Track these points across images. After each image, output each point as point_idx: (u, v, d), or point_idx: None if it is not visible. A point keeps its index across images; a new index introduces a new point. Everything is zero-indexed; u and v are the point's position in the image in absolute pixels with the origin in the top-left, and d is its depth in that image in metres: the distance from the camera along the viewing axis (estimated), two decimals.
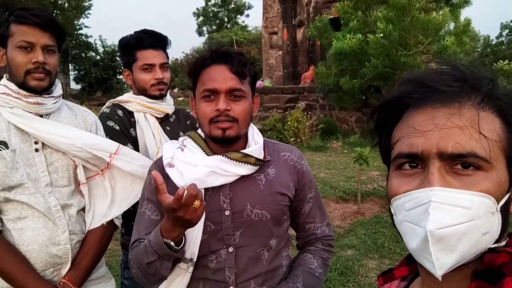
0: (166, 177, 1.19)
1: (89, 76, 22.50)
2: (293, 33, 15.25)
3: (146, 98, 1.79)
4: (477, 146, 0.54)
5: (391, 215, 0.62)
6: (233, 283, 1.22)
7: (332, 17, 10.94)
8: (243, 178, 1.22)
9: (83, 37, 22.95)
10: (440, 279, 0.53)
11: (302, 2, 14.93)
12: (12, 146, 1.35)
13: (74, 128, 1.47)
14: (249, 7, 36.46)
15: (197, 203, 1.00)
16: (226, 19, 36.67)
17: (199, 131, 1.30)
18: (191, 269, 1.21)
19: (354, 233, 4.46)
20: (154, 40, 1.77)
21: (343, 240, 4.24)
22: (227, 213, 1.21)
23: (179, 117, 1.94)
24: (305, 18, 14.75)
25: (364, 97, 10.40)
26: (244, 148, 1.24)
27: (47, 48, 1.37)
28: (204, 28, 37.05)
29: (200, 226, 1.18)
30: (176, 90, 22.90)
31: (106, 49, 23.58)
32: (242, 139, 1.25)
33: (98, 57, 23.59)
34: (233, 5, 36.25)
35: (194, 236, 1.18)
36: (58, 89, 1.47)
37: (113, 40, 28.23)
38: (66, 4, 21.60)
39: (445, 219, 0.52)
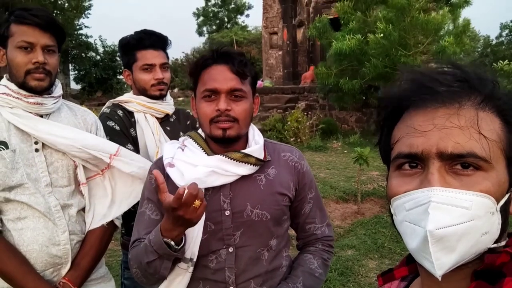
0: (167, 177, 1.19)
1: (89, 76, 22.50)
2: (293, 33, 15.25)
3: (146, 98, 1.79)
4: (477, 146, 0.54)
5: (391, 215, 0.62)
6: (233, 283, 1.22)
7: (332, 17, 10.94)
8: (243, 178, 1.23)
9: (83, 37, 22.96)
10: (439, 279, 0.53)
11: (302, 2, 14.94)
12: (12, 146, 1.35)
13: (74, 128, 1.47)
14: (249, 7, 36.51)
15: (197, 202, 1.00)
16: (226, 19, 36.68)
17: (200, 131, 1.30)
18: (191, 269, 1.21)
19: (354, 233, 4.46)
20: (154, 40, 1.77)
21: (343, 240, 4.24)
22: (227, 213, 1.21)
23: (179, 117, 1.94)
24: (305, 18, 14.76)
25: (364, 97, 10.40)
26: (245, 148, 1.25)
27: (47, 48, 1.37)
28: (204, 28, 37.09)
29: (200, 226, 1.18)
30: (176, 90, 22.91)
31: (106, 49, 23.59)
32: (242, 139, 1.25)
33: (98, 57, 23.60)
34: (233, 5, 36.26)
35: (194, 236, 1.18)
36: (58, 89, 1.47)
37: (113, 40, 28.29)
38: (66, 4, 21.61)
39: (445, 219, 0.52)
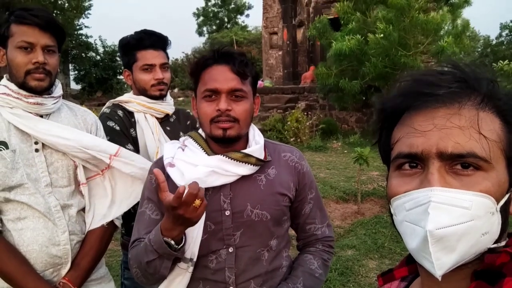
0: (167, 177, 1.19)
1: (89, 76, 22.49)
2: (293, 33, 15.25)
3: (146, 98, 1.79)
4: (477, 146, 0.54)
5: (391, 215, 0.62)
6: (233, 283, 1.22)
7: (332, 17, 10.95)
8: (243, 178, 1.23)
9: (83, 37, 22.96)
10: (439, 279, 0.53)
11: (302, 2, 14.93)
12: (12, 146, 1.35)
13: (74, 128, 1.47)
14: (249, 7, 36.51)
15: (197, 202, 1.00)
16: (226, 19, 36.68)
17: (200, 131, 1.30)
18: (191, 269, 1.21)
19: (354, 233, 4.46)
20: (154, 41, 1.77)
21: (343, 240, 4.24)
22: (227, 213, 1.21)
23: (179, 117, 1.94)
24: (305, 18, 14.76)
25: (364, 97, 10.40)
26: (245, 148, 1.25)
27: (47, 48, 1.37)
28: (204, 28, 37.09)
29: (200, 226, 1.18)
30: (176, 90, 22.91)
31: (106, 49, 23.58)
32: (243, 139, 1.26)
33: (98, 57, 23.59)
34: (233, 5, 36.26)
35: (194, 235, 1.18)
36: (58, 89, 1.47)
37: (113, 40, 28.25)
38: (66, 4, 21.60)
39: (444, 219, 0.52)
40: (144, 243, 1.15)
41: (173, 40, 1.85)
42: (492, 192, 0.54)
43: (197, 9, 36.71)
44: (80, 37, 22.72)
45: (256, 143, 1.25)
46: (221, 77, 1.17)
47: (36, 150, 1.39)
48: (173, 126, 1.89)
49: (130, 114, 1.81)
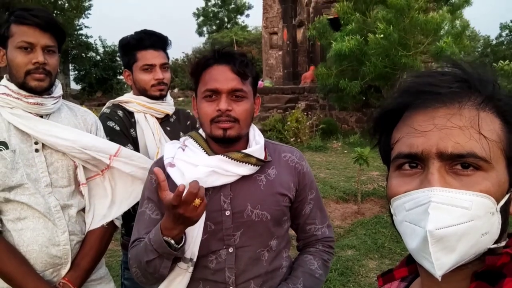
0: (167, 177, 1.19)
1: (89, 76, 22.50)
2: (293, 33, 15.25)
3: (146, 98, 1.79)
4: (477, 147, 0.54)
5: (391, 215, 0.62)
6: (233, 283, 1.21)
7: (332, 17, 10.95)
8: (243, 178, 1.23)
9: (83, 37, 22.96)
10: (439, 279, 0.53)
11: (302, 2, 14.93)
12: (12, 146, 1.35)
13: (74, 129, 1.47)
14: (249, 7, 36.50)
15: (197, 201, 1.00)
16: (226, 19, 36.67)
17: (200, 131, 1.30)
18: (191, 269, 1.21)
19: (354, 233, 4.46)
20: (155, 41, 1.77)
21: (343, 240, 4.24)
22: (227, 213, 1.21)
23: (179, 118, 1.94)
24: (305, 18, 14.75)
25: (364, 97, 10.41)
26: (245, 148, 1.25)
27: (47, 48, 1.37)
28: (204, 28, 37.08)
29: (200, 225, 1.18)
30: (176, 90, 22.91)
31: (106, 49, 23.59)
32: (243, 139, 1.26)
33: (98, 57, 23.60)
34: (233, 5, 36.26)
35: (194, 235, 1.18)
36: (58, 90, 1.47)
37: (113, 40, 28.27)
38: (66, 5, 21.61)
39: (444, 219, 0.52)
40: (144, 242, 1.15)
41: (173, 40, 1.85)
42: (492, 192, 0.54)
43: (197, 9, 36.75)
44: (80, 37, 22.73)
45: (257, 143, 1.25)
46: (222, 77, 1.17)
47: (36, 150, 1.39)
48: (173, 126, 1.89)
49: (130, 114, 1.81)
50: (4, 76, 1.42)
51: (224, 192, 1.22)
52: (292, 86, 14.04)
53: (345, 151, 8.98)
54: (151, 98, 1.79)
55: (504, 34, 28.39)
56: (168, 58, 1.83)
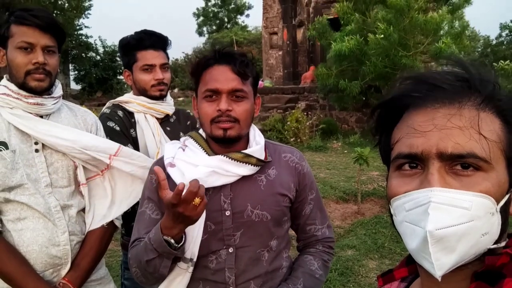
0: (167, 177, 1.19)
1: (89, 76, 22.50)
2: (293, 33, 15.25)
3: (146, 98, 1.79)
4: (477, 147, 0.54)
5: (391, 216, 0.62)
6: (233, 283, 1.21)
7: (332, 17, 10.95)
8: (244, 178, 1.23)
9: (83, 37, 22.96)
10: (439, 279, 0.53)
11: (302, 2, 14.93)
12: (12, 146, 1.35)
13: (74, 129, 1.47)
14: (249, 7, 36.49)
15: (197, 200, 1.00)
16: (226, 19, 36.67)
17: (201, 131, 1.30)
18: (191, 269, 1.21)
19: (354, 233, 4.46)
20: (155, 41, 1.77)
21: (343, 240, 4.24)
22: (227, 213, 1.21)
23: (179, 118, 1.94)
24: (305, 18, 14.76)
25: (364, 98, 10.40)
26: (245, 148, 1.25)
27: (47, 48, 1.37)
28: (204, 28, 37.07)
29: (200, 225, 1.18)
30: (176, 90, 22.91)
31: (106, 49, 23.59)
32: (243, 140, 1.26)
33: (98, 57, 23.60)
34: (233, 5, 36.25)
35: (195, 235, 1.18)
36: (58, 90, 1.47)
37: (113, 40, 28.27)
38: (66, 5, 21.61)
39: (444, 220, 0.52)
40: (144, 242, 1.15)
41: (173, 40, 1.85)
42: (492, 192, 0.54)
43: (197, 9, 36.74)
44: (80, 37, 22.73)
45: (257, 144, 1.25)
46: (222, 77, 1.17)
47: (36, 151, 1.39)
48: (173, 127, 1.89)
49: (130, 115, 1.81)
50: (4, 76, 1.42)
51: (224, 192, 1.22)
52: (292, 86, 14.04)
53: (345, 151, 8.99)
54: (151, 98, 1.79)
55: (504, 34, 28.39)
56: (168, 58, 1.83)
